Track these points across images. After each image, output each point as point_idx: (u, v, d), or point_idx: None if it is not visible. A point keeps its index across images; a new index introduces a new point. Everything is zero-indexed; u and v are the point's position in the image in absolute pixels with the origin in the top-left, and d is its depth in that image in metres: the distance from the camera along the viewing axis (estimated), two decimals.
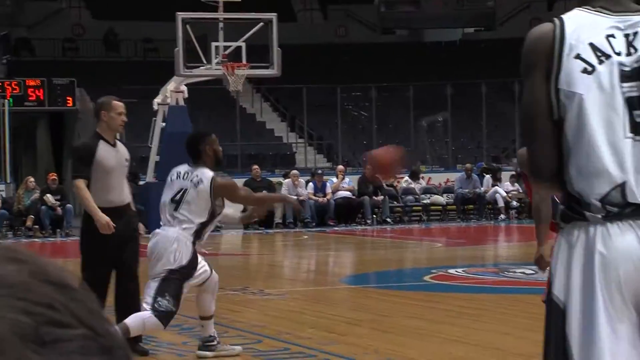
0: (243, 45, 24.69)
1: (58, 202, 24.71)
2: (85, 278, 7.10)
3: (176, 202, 8.46)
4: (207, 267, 8.70)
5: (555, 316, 3.15)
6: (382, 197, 26.11)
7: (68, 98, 32.05)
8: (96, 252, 8.65)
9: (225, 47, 24.33)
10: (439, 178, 29.71)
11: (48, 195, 24.52)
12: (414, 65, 38.04)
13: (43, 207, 24.28)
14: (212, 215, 8.51)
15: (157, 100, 25.72)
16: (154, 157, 25.83)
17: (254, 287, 13.25)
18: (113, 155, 8.60)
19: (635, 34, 3.10)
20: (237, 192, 8.88)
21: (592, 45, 3.06)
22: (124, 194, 9.20)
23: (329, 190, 25.93)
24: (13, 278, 0.59)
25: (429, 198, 27.62)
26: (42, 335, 0.56)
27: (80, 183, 8.77)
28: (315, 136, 34.13)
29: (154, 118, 25.97)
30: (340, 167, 28.05)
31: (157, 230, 8.67)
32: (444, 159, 34.32)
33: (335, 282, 14.93)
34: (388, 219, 25.90)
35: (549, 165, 3.16)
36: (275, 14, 25.53)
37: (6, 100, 31.41)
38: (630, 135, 3.00)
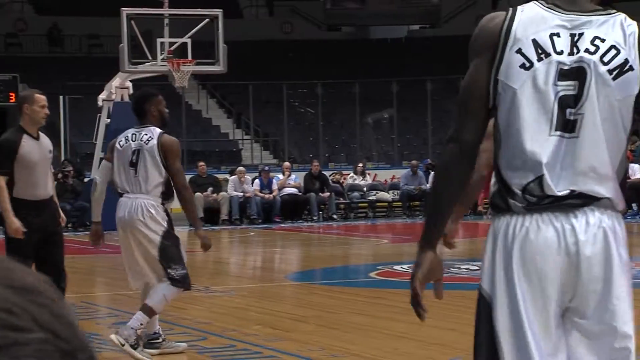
0: (189, 41, 24.70)
1: None
2: None
3: (134, 166, 8.35)
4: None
5: (483, 308, 3.23)
6: (328, 193, 26.37)
7: (11, 94, 31.82)
8: (21, 247, 8.55)
9: (171, 44, 24.29)
10: (384, 175, 30.03)
11: None
12: (360, 62, 38.40)
13: None
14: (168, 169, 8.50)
15: (102, 96, 25.59)
16: (98, 154, 24.58)
17: (200, 284, 13.23)
18: (37, 149, 8.52)
19: (581, 34, 3.15)
20: (177, 160, 8.59)
21: (534, 41, 3.12)
22: (48, 187, 9.20)
23: (275, 187, 26.15)
24: None
25: (374, 195, 27.90)
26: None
27: (0, 180, 8.77)
28: (261, 133, 34.27)
29: (99, 114, 25.81)
30: (287, 163, 28.28)
31: (123, 200, 8.46)
32: (390, 156, 34.63)
33: (281, 278, 14.98)
34: (334, 216, 26.13)
35: (474, 140, 3.23)
36: (220, 10, 25.52)
37: None
38: (558, 132, 3.08)
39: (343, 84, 35.58)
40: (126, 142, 8.43)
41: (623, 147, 3.21)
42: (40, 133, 8.61)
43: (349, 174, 28.41)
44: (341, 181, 27.46)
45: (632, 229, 21.56)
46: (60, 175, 22.77)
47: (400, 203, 27.84)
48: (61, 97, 28.14)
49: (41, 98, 8.48)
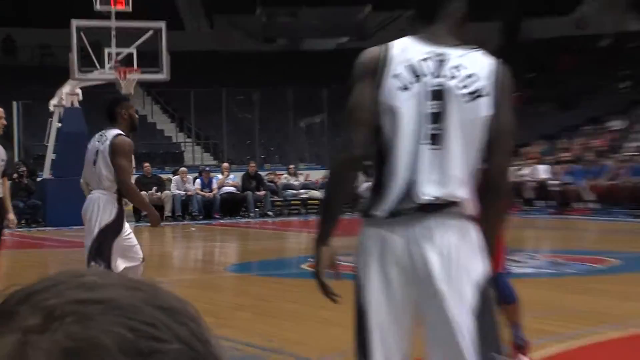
0: (134, 51, 24.84)
1: None
2: None
3: (94, 164, 8.24)
4: (140, 253, 8.47)
5: (357, 297, 3.41)
6: (264, 192, 26.60)
7: None
8: None
9: (118, 53, 24.42)
10: (316, 174, 30.24)
11: None
12: (293, 71, 38.69)
13: None
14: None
15: (53, 102, 25.51)
16: (50, 156, 25.77)
17: (145, 276, 12.75)
18: None
19: (442, 61, 3.35)
20: (122, 158, 8.22)
21: (410, 67, 3.32)
22: (0, 191, 9.36)
23: (215, 185, 26.31)
24: (125, 301, 0.64)
25: (307, 193, 28.28)
26: (142, 348, 0.62)
27: None
28: (202, 136, 34.42)
29: (50, 119, 25.83)
30: (226, 164, 28.44)
31: (89, 196, 8.35)
32: (321, 157, 34.69)
33: (220, 270, 14.98)
34: (269, 212, 26.33)
35: (360, 153, 3.41)
36: (164, 22, 25.63)
37: None
38: (428, 144, 3.26)
39: (278, 92, 35.89)
40: (92, 143, 8.38)
41: (477, 159, 3.40)
42: None
43: (282, 174, 28.75)
44: (275, 181, 27.74)
45: (536, 224, 22.05)
46: (15, 176, 22.47)
47: None
48: (15, 102, 27.62)
49: None
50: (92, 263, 7.94)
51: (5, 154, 9.38)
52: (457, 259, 3.24)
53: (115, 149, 7.98)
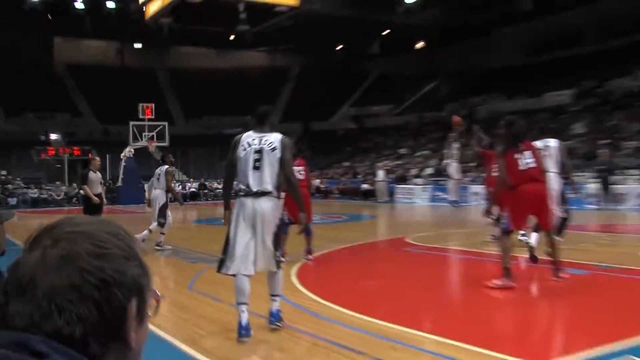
0: (155, 134, 37.51)
1: None
2: None
3: (158, 178, 14.11)
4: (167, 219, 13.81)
5: (230, 227, 6.47)
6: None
7: None
8: None
9: (150, 136, 36.78)
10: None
11: None
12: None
13: None
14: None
15: (122, 155, 36.31)
16: (121, 177, 37.10)
17: None
18: None
19: (261, 138, 6.50)
20: (169, 178, 14.05)
21: (248, 142, 6.47)
22: (101, 189, 13.71)
23: None
24: (92, 231, 1.13)
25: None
26: (97, 253, 1.10)
27: None
28: None
29: (122, 162, 36.42)
30: None
31: (153, 192, 13.92)
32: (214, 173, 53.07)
33: None
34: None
35: (229, 175, 6.64)
36: (166, 122, 38.06)
37: None
38: (254, 169, 6.40)
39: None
40: (156, 171, 14.33)
41: (276, 174, 6.43)
42: None
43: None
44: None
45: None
46: (107, 184, 30.61)
47: None
48: (107, 155, 38.25)
49: None
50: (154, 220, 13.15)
51: (101, 177, 14.32)
52: (269, 213, 6.34)
53: (166, 173, 13.89)
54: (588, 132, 34.62)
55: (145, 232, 13.71)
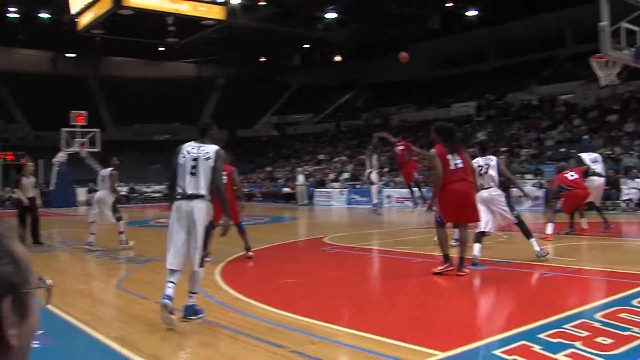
0: (87, 141, 36.89)
1: None
2: None
3: (102, 181, 14.28)
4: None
5: (169, 226, 6.65)
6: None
7: None
8: None
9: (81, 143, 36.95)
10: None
11: None
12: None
13: None
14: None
15: (55, 160, 36.88)
16: (54, 180, 37.31)
17: None
18: None
19: (199, 147, 6.80)
20: (114, 182, 13.69)
21: (187, 150, 6.79)
22: (34, 192, 13.85)
23: None
24: None
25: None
26: None
27: None
28: None
29: (55, 167, 36.76)
30: None
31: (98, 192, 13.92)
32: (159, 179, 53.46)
33: None
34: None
35: (172, 182, 6.80)
36: (99, 129, 37.74)
37: None
38: (191, 175, 6.69)
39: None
40: (100, 173, 14.22)
41: (209, 180, 6.70)
42: None
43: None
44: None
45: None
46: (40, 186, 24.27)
47: None
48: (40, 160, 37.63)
49: None
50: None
51: (35, 181, 14.44)
52: (200, 214, 6.61)
53: (110, 175, 13.84)
54: (490, 141, 35.25)
55: (121, 237, 13.83)
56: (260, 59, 58.09)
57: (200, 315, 6.73)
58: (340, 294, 8.32)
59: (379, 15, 42.74)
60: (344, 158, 43.58)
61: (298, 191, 36.08)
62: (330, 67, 58.71)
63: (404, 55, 15.48)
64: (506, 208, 10.57)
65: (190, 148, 6.77)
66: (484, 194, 10.38)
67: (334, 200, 34.78)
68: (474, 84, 46.68)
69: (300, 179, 36.34)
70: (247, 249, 11.86)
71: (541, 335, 5.57)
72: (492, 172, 10.61)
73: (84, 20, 37.35)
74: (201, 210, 6.59)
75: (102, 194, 14.10)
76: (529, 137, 34.37)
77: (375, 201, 21.95)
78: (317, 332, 6.08)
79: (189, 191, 6.62)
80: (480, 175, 10.50)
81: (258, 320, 6.65)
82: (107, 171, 14.16)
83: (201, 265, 6.74)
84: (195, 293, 6.78)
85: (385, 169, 34.18)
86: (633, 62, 13.16)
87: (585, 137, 31.32)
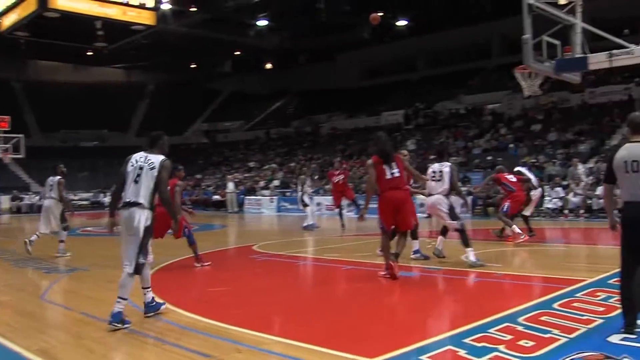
0: (11, 147, 33.94)
1: None
2: None
3: (50, 189, 13.81)
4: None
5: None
6: None
7: None
8: None
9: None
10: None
11: None
12: None
13: None
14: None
15: None
16: None
17: None
18: None
19: (146, 157, 6.94)
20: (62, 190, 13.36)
21: (135, 159, 6.94)
22: None
23: None
24: None
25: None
26: None
27: None
28: None
29: None
30: None
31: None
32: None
33: None
34: None
35: (118, 188, 6.89)
36: (22, 135, 34.48)
37: None
38: (134, 182, 6.81)
39: None
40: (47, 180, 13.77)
41: (152, 189, 6.83)
42: None
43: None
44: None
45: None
46: None
47: None
48: None
49: None
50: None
51: None
52: (138, 220, 6.74)
53: (58, 184, 13.55)
54: (418, 149, 35.93)
55: (61, 246, 13.66)
56: (191, 66, 57.73)
57: (127, 325, 6.63)
58: (269, 302, 8.28)
59: (310, 23, 42.99)
60: (274, 165, 43.50)
61: (228, 199, 35.87)
62: (261, 74, 58.86)
63: (374, 16, 15.13)
64: (444, 214, 10.96)
65: (138, 157, 6.95)
66: (431, 198, 10.92)
67: (264, 208, 34.73)
68: (403, 93, 47.28)
69: (230, 186, 36.14)
70: (197, 259, 11.69)
71: (466, 340, 5.68)
72: (446, 178, 11.02)
73: (7, 21, 36.51)
74: (139, 218, 6.72)
75: (50, 202, 13.88)
76: (457, 146, 34.97)
77: (310, 222, 21.60)
78: (245, 340, 6.04)
79: (129, 199, 6.78)
80: (434, 180, 11.06)
81: (186, 330, 6.56)
82: (55, 179, 13.92)
83: (136, 272, 6.80)
84: (124, 299, 6.72)
85: (316, 177, 34.33)
86: (554, 74, 13.60)
87: (511, 145, 32.12)
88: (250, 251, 14.45)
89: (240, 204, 35.95)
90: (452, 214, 11.01)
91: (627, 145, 5.86)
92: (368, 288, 9.18)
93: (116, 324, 6.54)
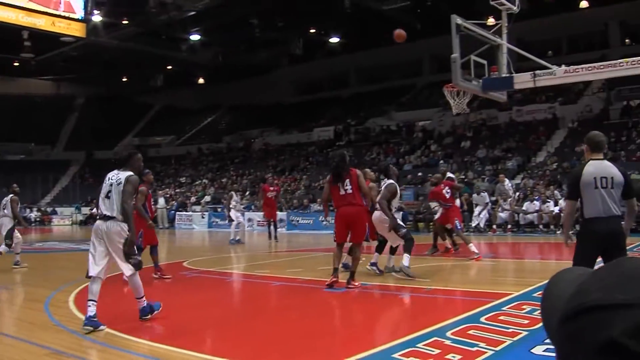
0: None
1: None
2: None
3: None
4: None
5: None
6: None
7: None
8: None
9: None
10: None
11: None
12: None
13: None
14: None
15: None
16: None
17: None
18: None
19: (117, 174, 7.58)
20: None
21: (109, 177, 7.54)
22: None
23: None
24: None
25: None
26: None
27: None
28: None
29: None
30: None
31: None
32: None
33: None
34: None
35: (97, 203, 7.52)
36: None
37: None
38: (106, 198, 7.49)
39: None
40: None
41: (119, 202, 7.38)
42: None
43: None
44: None
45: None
46: None
47: None
48: None
49: None
50: None
51: None
52: (113, 232, 7.37)
53: (11, 201, 14.55)
54: (392, 166, 35.89)
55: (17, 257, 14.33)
56: (123, 79, 56.81)
57: (102, 328, 7.10)
58: (195, 318, 8.15)
59: (243, 38, 42.90)
60: (205, 181, 43.18)
61: (159, 214, 35.26)
62: (193, 89, 58.34)
63: (399, 33, 14.15)
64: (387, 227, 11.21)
65: (111, 175, 7.67)
66: (376, 213, 11.31)
67: (195, 224, 34.46)
68: (335, 109, 47.62)
69: (161, 202, 35.64)
70: (158, 270, 12.32)
71: (395, 355, 5.67)
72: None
73: None
74: (114, 230, 7.42)
75: (4, 220, 14.60)
76: (388, 162, 35.26)
77: (237, 238, 21.63)
78: (171, 358, 5.90)
79: (104, 212, 7.50)
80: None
81: (110, 348, 6.40)
82: (8, 198, 14.73)
83: (137, 268, 7.71)
84: (142, 297, 7.83)
85: (247, 192, 34.16)
86: (481, 92, 13.86)
87: (442, 162, 32.36)
88: (180, 267, 14.29)
89: (171, 220, 35.65)
90: (396, 225, 11.19)
91: (592, 162, 6.05)
92: (297, 304, 9.15)
93: (89, 327, 7.05)
